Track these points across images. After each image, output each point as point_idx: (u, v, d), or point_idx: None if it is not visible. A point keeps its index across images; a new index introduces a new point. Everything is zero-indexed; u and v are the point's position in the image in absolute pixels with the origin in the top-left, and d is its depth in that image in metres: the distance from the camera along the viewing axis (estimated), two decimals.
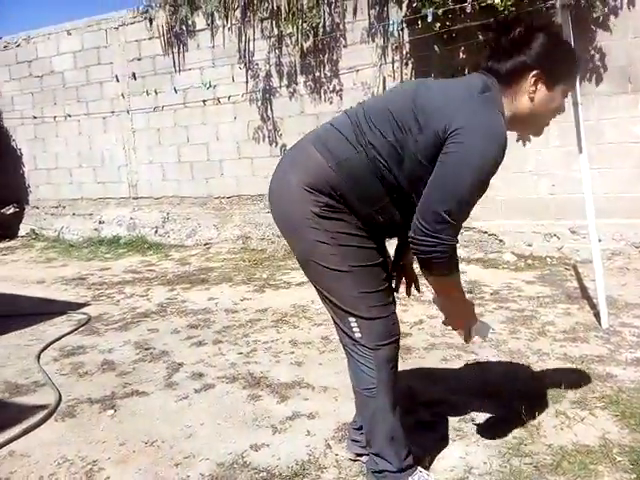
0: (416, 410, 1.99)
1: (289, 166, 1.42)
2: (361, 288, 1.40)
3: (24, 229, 7.40)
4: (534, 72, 1.32)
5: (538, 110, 1.38)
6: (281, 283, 4.30)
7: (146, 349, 2.90)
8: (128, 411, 2.16)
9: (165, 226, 6.54)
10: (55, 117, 6.85)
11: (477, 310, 3.22)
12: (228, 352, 2.79)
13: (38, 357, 2.83)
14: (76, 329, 3.31)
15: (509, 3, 4.00)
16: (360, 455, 1.69)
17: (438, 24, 4.27)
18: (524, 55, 1.32)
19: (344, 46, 5.22)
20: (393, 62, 5.06)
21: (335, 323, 1.48)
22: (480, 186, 1.26)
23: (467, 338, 1.54)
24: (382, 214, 1.40)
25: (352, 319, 1.41)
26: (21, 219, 7.44)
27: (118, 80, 6.38)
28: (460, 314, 1.49)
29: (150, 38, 6.15)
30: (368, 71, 5.17)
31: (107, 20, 6.40)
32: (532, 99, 1.35)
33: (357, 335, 1.42)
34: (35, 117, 7.01)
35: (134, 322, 3.43)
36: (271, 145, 5.84)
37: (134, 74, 6.29)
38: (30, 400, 2.32)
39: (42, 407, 2.21)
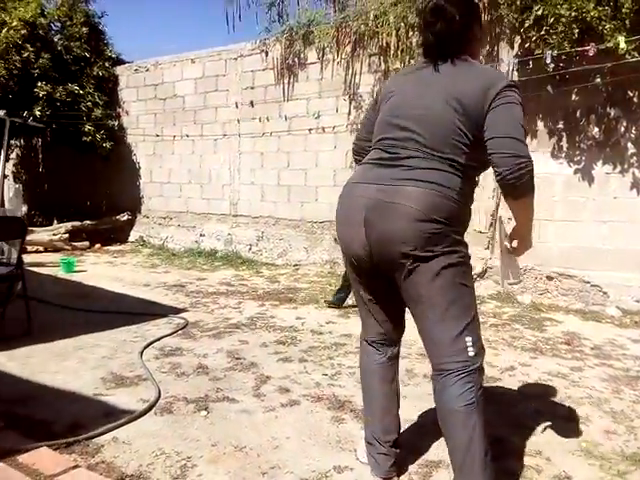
0: (506, 459, 1.92)
1: (412, 210, 1.49)
2: (475, 305, 1.60)
3: (134, 236, 8.10)
4: (474, 29, 1.67)
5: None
6: None
7: (237, 358, 3.04)
8: (219, 415, 2.28)
9: (259, 244, 6.85)
10: (174, 137, 7.51)
11: (576, 364, 3.07)
12: (313, 372, 2.86)
13: (141, 353, 3.07)
14: (175, 332, 3.55)
15: (631, 47, 3.85)
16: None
17: (552, 65, 4.18)
18: (462, 27, 1.61)
19: None
20: None
21: (442, 345, 1.55)
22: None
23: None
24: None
25: (469, 337, 1.53)
26: (132, 226, 8.16)
27: (237, 106, 6.88)
28: (530, 234, 1.70)
29: (264, 69, 6.59)
30: None
31: (227, 51, 6.97)
32: (480, 40, 1.76)
33: (471, 353, 1.53)
34: (157, 135, 7.72)
35: (226, 332, 3.61)
36: None
37: (252, 102, 6.76)
38: (133, 392, 2.51)
39: (143, 400, 2.40)
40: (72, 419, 2.17)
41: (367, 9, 5.02)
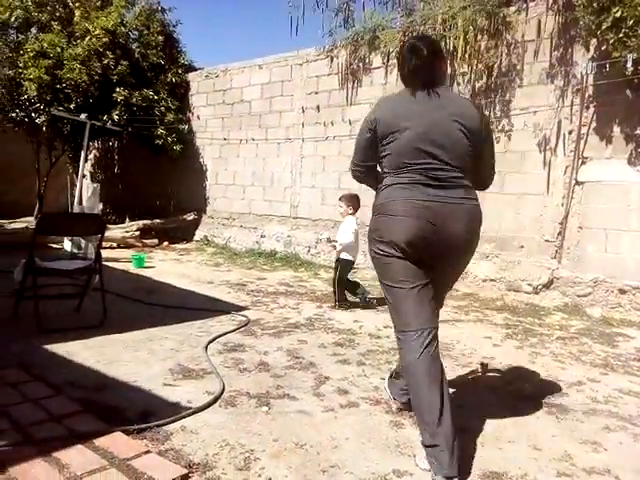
0: (573, 476, 1.85)
1: (472, 223, 2.06)
2: None
3: (199, 235, 8.43)
4: (440, 63, 2.14)
5: None
6: None
7: (296, 357, 3.11)
8: (280, 411, 2.35)
9: (317, 246, 6.93)
10: (241, 140, 7.76)
11: None
12: (371, 375, 2.87)
13: (206, 348, 3.20)
14: (237, 329, 3.67)
15: None
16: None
17: (631, 68, 3.98)
18: (438, 61, 2.11)
19: (519, 87, 5.12)
20: (572, 105, 4.82)
21: (443, 298, 2.28)
22: None
23: None
24: None
25: None
26: (198, 226, 8.49)
27: (303, 111, 7.01)
28: None
29: (329, 74, 6.68)
30: (543, 113, 4.99)
31: (293, 57, 7.12)
32: (445, 73, 2.25)
33: None
34: (225, 139, 8.00)
35: (286, 331, 3.69)
36: None
37: (318, 106, 6.87)
38: (198, 384, 2.62)
39: (208, 392, 2.50)
40: (143, 407, 2.30)
41: (435, 13, 4.98)
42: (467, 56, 5.05)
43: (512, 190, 5.25)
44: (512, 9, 5.13)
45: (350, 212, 4.63)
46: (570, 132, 4.85)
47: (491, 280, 5.34)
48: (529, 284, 5.05)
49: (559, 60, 4.87)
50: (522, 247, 5.14)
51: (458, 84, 5.49)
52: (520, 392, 2.71)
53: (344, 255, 4.59)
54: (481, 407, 2.47)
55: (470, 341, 3.63)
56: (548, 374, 3.01)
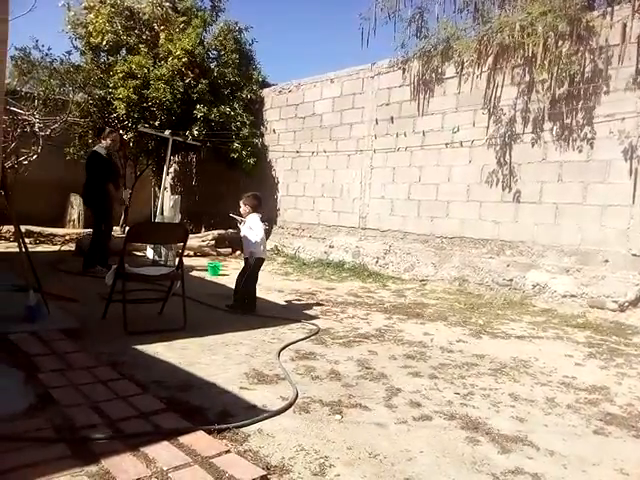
0: None
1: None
2: None
3: (270, 244, 8.63)
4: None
5: None
6: (499, 332, 4.15)
7: (367, 368, 3.11)
8: (353, 420, 2.36)
9: (386, 257, 6.91)
10: (312, 153, 7.91)
11: None
12: (444, 389, 2.82)
13: (278, 354, 3.28)
14: (308, 337, 3.73)
15: None
16: None
17: None
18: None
19: (605, 93, 4.86)
20: None
21: None
22: None
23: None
24: None
25: None
26: (269, 236, 8.72)
27: (377, 123, 7.06)
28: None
29: (400, 86, 6.68)
30: (630, 120, 4.71)
31: (365, 70, 7.19)
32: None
33: None
34: (297, 152, 8.19)
35: (356, 341, 3.71)
36: (504, 190, 5.73)
37: (388, 118, 6.90)
38: (272, 389, 2.69)
39: (283, 398, 2.56)
40: (222, 408, 2.40)
41: (512, 20, 4.85)
42: (547, 63, 4.87)
43: (595, 201, 4.98)
44: (595, 13, 4.90)
45: (248, 210, 4.64)
46: None
47: (571, 296, 5.08)
48: (614, 301, 4.75)
49: None
50: (606, 261, 4.85)
51: (537, 92, 5.31)
52: (605, 414, 2.56)
53: (257, 253, 4.61)
54: (564, 428, 2.36)
55: (549, 359, 3.47)
56: (636, 396, 2.82)
